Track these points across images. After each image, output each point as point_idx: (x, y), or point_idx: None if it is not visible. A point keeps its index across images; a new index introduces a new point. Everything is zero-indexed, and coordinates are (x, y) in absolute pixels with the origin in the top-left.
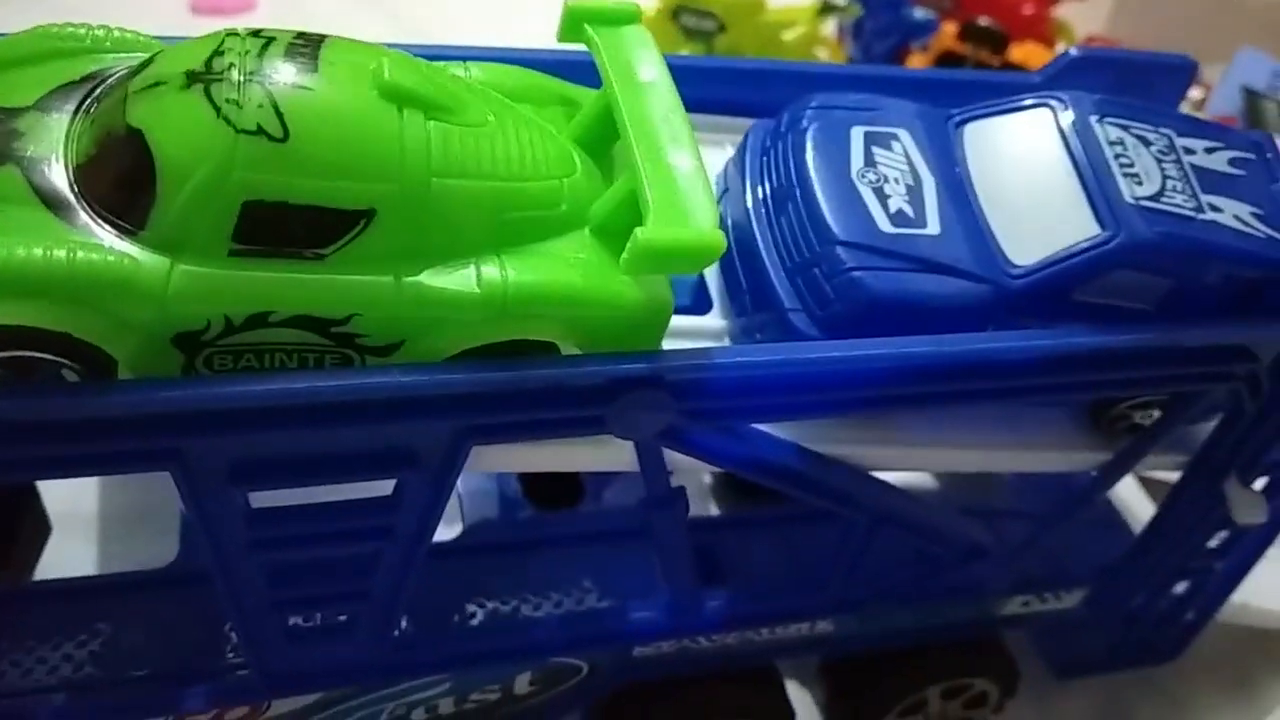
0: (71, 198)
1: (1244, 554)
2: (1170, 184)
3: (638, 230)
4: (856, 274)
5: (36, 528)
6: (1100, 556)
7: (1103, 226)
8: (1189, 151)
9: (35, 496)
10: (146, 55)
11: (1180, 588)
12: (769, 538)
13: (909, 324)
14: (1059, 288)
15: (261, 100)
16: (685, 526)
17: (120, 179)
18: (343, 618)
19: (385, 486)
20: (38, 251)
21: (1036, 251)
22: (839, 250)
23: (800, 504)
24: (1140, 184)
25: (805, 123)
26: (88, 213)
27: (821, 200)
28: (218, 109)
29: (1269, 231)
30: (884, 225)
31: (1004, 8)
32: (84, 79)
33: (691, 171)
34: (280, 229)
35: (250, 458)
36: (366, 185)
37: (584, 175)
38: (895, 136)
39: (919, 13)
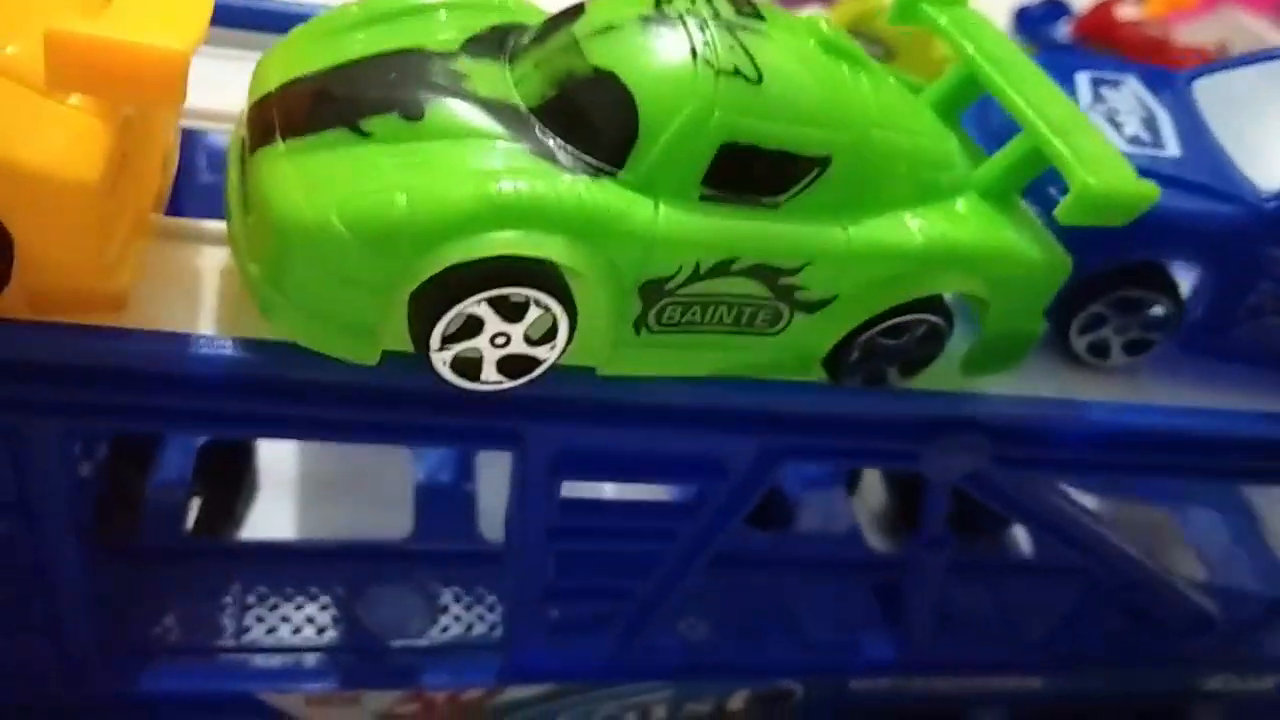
0: (543, 137)
1: None
2: None
3: (1086, 178)
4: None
5: (252, 485)
6: None
7: None
8: None
9: (252, 455)
10: (529, 15)
11: None
12: (980, 583)
13: (1157, 240)
14: None
15: (732, 43)
16: (944, 570)
17: (596, 119)
18: (602, 615)
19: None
20: (545, 186)
21: None
22: None
23: (1015, 554)
24: None
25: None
26: (563, 151)
27: None
28: (694, 50)
29: None
30: (1120, 145)
31: (1167, 59)
32: (489, 31)
33: (1092, 130)
34: (746, 174)
35: (574, 449)
36: (826, 132)
37: (958, 140)
38: (1122, 81)
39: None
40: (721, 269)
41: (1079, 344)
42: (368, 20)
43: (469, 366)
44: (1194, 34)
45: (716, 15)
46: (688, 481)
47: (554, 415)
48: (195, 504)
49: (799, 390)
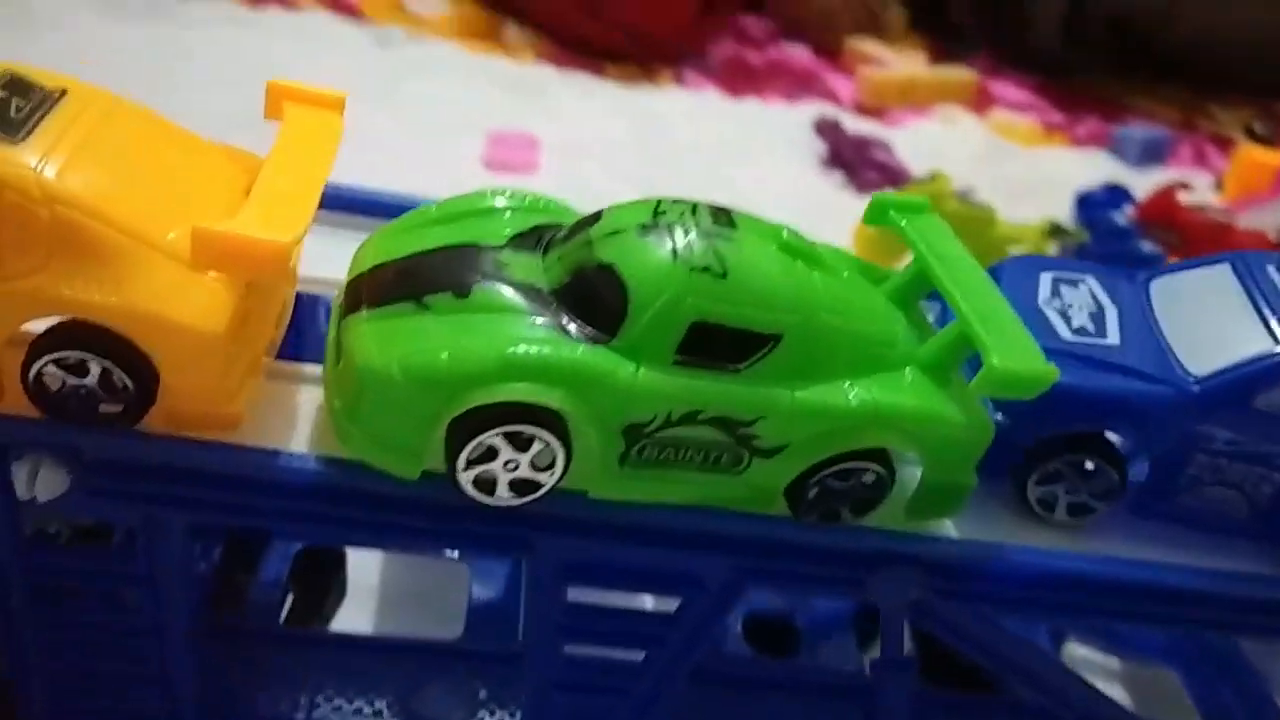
0: (557, 312)
1: None
2: None
3: (994, 359)
4: None
5: (341, 589)
6: None
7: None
8: None
9: (343, 562)
10: (567, 217)
11: None
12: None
13: (1090, 416)
14: (1239, 394)
15: (706, 247)
16: (910, 693)
17: (597, 300)
18: (605, 709)
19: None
20: (550, 350)
21: (1215, 362)
22: None
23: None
24: None
25: (998, 271)
26: (571, 323)
27: None
28: (674, 251)
29: None
30: (1064, 334)
31: (1228, 245)
32: (532, 230)
33: (1012, 319)
34: (712, 345)
35: (579, 560)
36: (780, 314)
37: (906, 324)
38: (1082, 280)
39: (1147, 246)
40: (689, 419)
41: (1033, 493)
42: (442, 219)
43: (487, 485)
44: (1258, 219)
45: (698, 225)
46: (674, 593)
47: (556, 528)
48: (288, 602)
49: (762, 521)
